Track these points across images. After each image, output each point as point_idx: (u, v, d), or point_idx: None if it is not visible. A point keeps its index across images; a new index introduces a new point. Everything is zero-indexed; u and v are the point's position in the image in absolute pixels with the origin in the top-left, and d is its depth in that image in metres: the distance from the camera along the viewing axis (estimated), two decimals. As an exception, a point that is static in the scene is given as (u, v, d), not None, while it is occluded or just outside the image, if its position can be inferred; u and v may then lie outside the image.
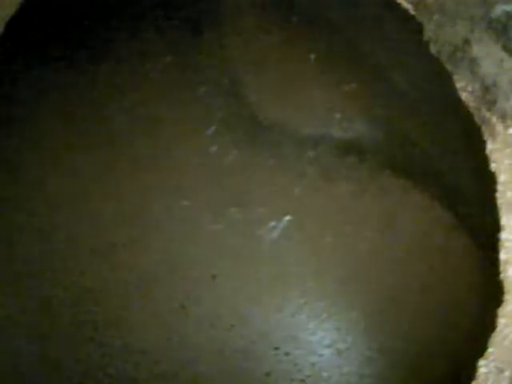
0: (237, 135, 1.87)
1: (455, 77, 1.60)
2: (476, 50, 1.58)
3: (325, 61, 1.86)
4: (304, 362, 1.76)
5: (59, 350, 1.71)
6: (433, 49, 1.61)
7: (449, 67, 1.60)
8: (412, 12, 1.63)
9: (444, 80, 1.61)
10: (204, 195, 1.84)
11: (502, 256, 1.52)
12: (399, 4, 1.64)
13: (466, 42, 1.59)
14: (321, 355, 1.77)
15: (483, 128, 1.57)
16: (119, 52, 1.89)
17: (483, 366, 1.47)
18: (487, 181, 1.56)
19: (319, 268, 1.82)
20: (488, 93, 1.57)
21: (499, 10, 1.57)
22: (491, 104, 1.57)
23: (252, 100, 1.88)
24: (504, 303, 1.49)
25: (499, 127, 1.56)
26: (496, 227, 1.53)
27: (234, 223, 1.83)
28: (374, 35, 1.78)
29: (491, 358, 1.47)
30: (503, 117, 1.56)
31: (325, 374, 1.75)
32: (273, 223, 1.83)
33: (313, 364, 1.76)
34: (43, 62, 1.84)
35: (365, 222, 1.83)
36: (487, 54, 1.58)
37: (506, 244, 1.52)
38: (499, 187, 1.54)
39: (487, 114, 1.57)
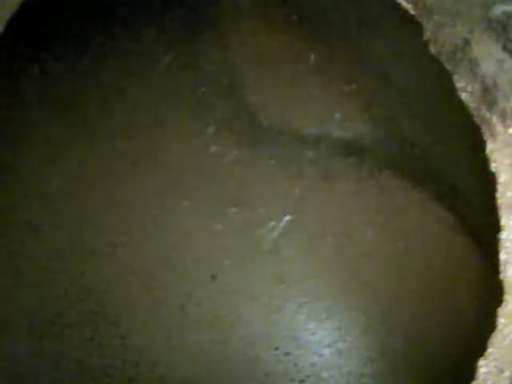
0: (237, 135, 1.87)
1: (455, 77, 1.59)
2: (476, 50, 1.58)
3: (325, 61, 1.86)
4: (304, 362, 1.76)
5: (59, 350, 1.71)
6: (432, 49, 1.61)
7: (449, 67, 1.60)
8: (412, 12, 1.63)
9: (444, 80, 1.61)
10: (204, 195, 1.84)
11: (502, 256, 1.52)
12: (399, 4, 1.64)
13: (466, 42, 1.59)
14: (321, 355, 1.77)
15: (483, 128, 1.57)
16: (119, 52, 1.89)
17: (483, 366, 1.47)
18: (487, 181, 1.55)
19: (319, 268, 1.82)
20: (488, 93, 1.57)
21: (499, 9, 1.57)
22: (491, 104, 1.57)
23: (252, 100, 1.88)
24: (504, 303, 1.49)
25: (499, 127, 1.56)
26: (496, 227, 1.53)
27: (233, 223, 1.83)
28: (374, 35, 1.78)
29: (491, 357, 1.47)
30: (503, 117, 1.56)
31: (325, 374, 1.75)
32: (273, 223, 1.83)
33: (313, 364, 1.76)
34: (43, 61, 1.84)
35: (365, 221, 1.83)
36: (487, 54, 1.58)
37: (506, 244, 1.52)
38: (499, 187, 1.54)
39: (487, 114, 1.57)
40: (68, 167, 1.82)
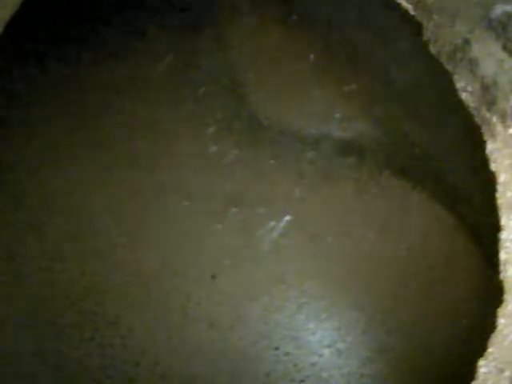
0: (237, 135, 1.87)
1: (455, 77, 1.60)
2: (476, 49, 1.58)
3: (325, 61, 1.86)
4: (304, 362, 1.76)
5: (59, 350, 1.71)
6: (433, 49, 1.61)
7: (449, 67, 1.60)
8: (412, 12, 1.63)
9: (444, 80, 1.61)
10: (204, 195, 1.84)
11: (502, 256, 1.52)
12: (399, 4, 1.64)
13: (466, 42, 1.59)
14: (321, 355, 1.77)
15: (483, 128, 1.57)
16: (119, 52, 1.89)
17: (483, 366, 1.47)
18: (487, 181, 1.56)
19: (319, 268, 1.82)
20: (488, 93, 1.57)
21: (499, 9, 1.57)
22: (491, 104, 1.57)
23: (252, 100, 1.88)
24: (504, 303, 1.49)
25: (499, 127, 1.56)
26: (496, 227, 1.53)
27: (234, 223, 1.83)
28: (373, 35, 1.78)
29: (491, 357, 1.47)
30: (503, 117, 1.56)
31: (325, 374, 1.75)
32: (273, 223, 1.83)
33: (313, 364, 1.76)
34: (43, 61, 1.84)
35: (365, 221, 1.83)
36: (487, 54, 1.58)
37: (506, 244, 1.52)
38: (499, 187, 1.54)
39: (487, 114, 1.57)
40: (68, 167, 1.82)
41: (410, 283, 1.78)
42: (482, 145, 1.56)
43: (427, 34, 1.62)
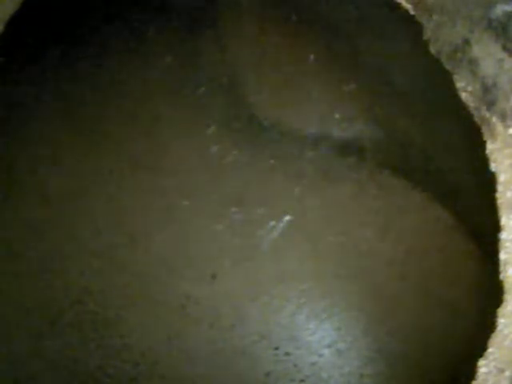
0: (237, 135, 1.87)
1: (455, 77, 1.60)
2: (476, 49, 1.58)
3: (325, 61, 1.86)
4: (304, 362, 1.76)
5: (59, 350, 1.71)
6: (432, 49, 1.61)
7: (449, 67, 1.60)
8: (412, 12, 1.63)
9: (444, 80, 1.61)
10: (204, 195, 1.84)
11: (502, 256, 1.52)
12: (399, 4, 1.64)
13: (466, 42, 1.59)
14: (321, 355, 1.77)
15: (483, 128, 1.57)
16: (119, 52, 1.89)
17: (483, 366, 1.47)
18: (487, 181, 1.56)
19: (319, 268, 1.82)
20: (488, 93, 1.57)
21: (499, 9, 1.57)
22: (491, 104, 1.57)
23: (252, 100, 1.88)
24: (504, 303, 1.49)
25: (499, 127, 1.56)
26: (496, 227, 1.53)
27: (234, 223, 1.83)
28: (374, 35, 1.78)
29: (491, 357, 1.47)
30: (503, 117, 1.56)
31: (325, 374, 1.75)
32: (273, 223, 1.83)
33: (313, 364, 1.76)
34: (43, 62, 1.84)
35: (365, 222, 1.83)
36: (487, 54, 1.58)
37: (506, 244, 1.52)
38: (499, 187, 1.54)
39: (487, 114, 1.57)
40: (68, 167, 1.82)
41: (410, 283, 1.78)
42: (482, 145, 1.56)
43: (427, 34, 1.62)
